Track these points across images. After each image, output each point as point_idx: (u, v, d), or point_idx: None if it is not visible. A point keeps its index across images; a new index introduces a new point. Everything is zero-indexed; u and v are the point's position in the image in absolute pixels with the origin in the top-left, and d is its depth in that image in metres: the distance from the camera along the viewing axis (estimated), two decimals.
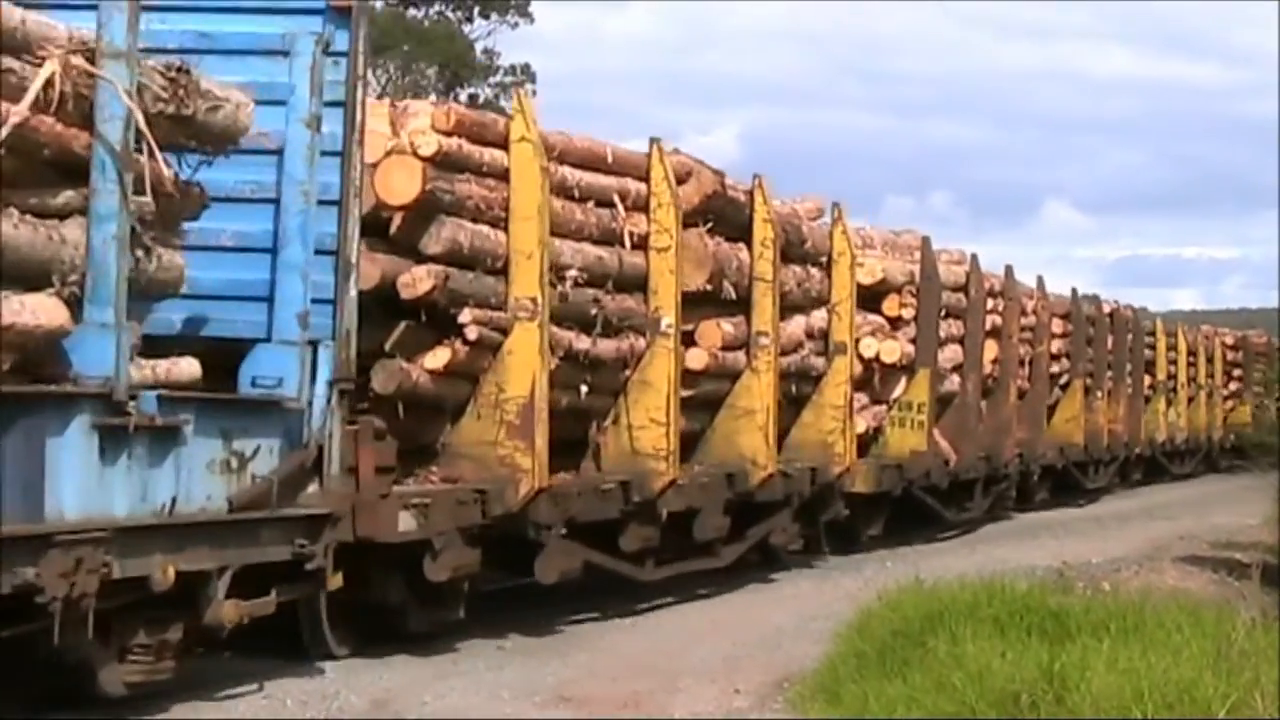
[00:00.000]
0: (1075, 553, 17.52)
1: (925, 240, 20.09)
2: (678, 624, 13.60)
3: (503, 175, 12.13)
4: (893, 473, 19.19)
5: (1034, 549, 18.89)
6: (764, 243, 15.78)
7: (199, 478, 9.10)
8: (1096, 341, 28.06)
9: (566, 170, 12.95)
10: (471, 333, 11.69)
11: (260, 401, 9.74)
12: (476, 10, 54.06)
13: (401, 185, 11.30)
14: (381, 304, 11.37)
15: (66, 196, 8.42)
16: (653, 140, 14.12)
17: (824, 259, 17.57)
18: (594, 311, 13.13)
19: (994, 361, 22.43)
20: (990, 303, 22.19)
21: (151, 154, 8.41)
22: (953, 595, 11.38)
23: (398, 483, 11.14)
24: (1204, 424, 35.15)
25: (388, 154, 11.36)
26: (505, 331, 11.98)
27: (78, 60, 8.27)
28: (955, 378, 21.01)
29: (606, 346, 13.32)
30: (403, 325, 11.55)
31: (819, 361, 17.31)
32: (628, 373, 13.73)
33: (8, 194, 8.02)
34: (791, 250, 16.69)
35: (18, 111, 7.89)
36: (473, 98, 49.06)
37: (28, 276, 8.14)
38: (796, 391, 17.07)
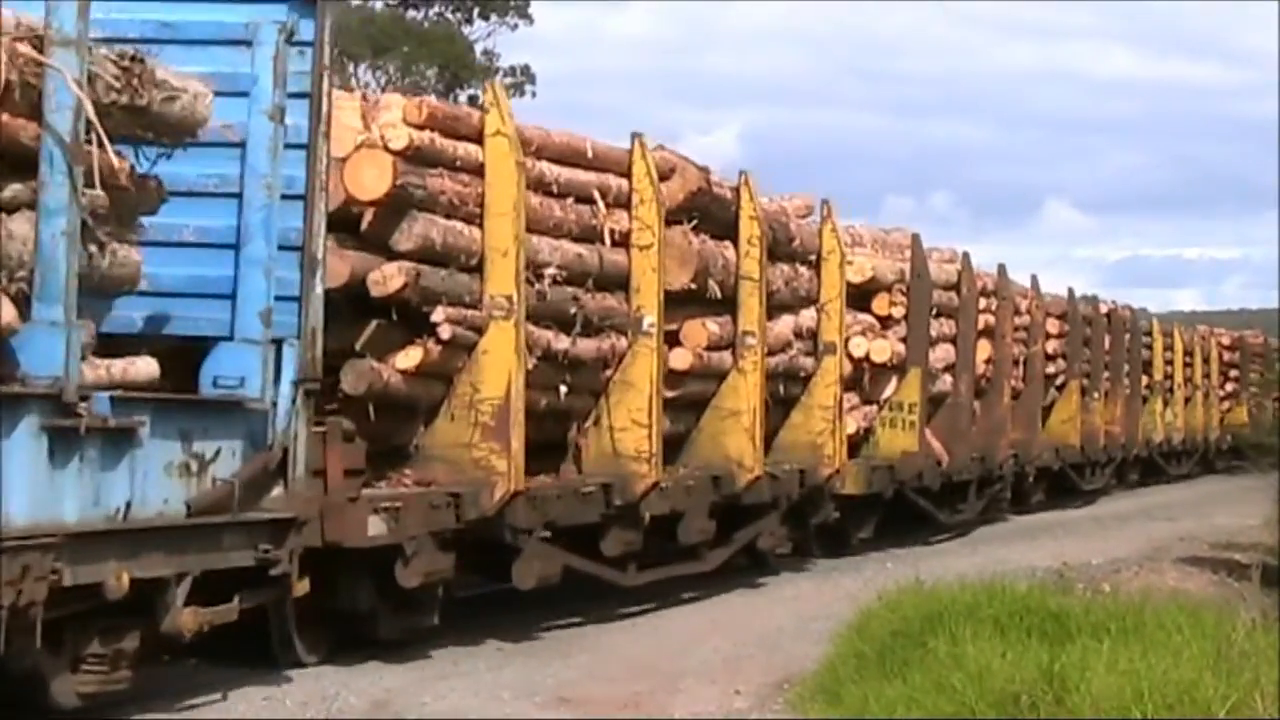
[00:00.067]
0: (1075, 553, 17.37)
1: (915, 238, 19.83)
2: (678, 625, 13.51)
3: (477, 170, 11.85)
4: (884, 474, 18.92)
5: (1034, 550, 18.77)
6: (750, 241, 15.49)
7: (156, 481, 8.80)
8: (1094, 342, 27.85)
9: (544, 165, 12.66)
10: (445, 332, 11.41)
11: (221, 402, 9.45)
12: (476, 11, 54.13)
13: (371, 180, 11.02)
14: (352, 302, 11.10)
15: (14, 190, 8.13)
16: (634, 135, 13.84)
17: (813, 257, 17.29)
18: (573, 310, 12.85)
19: (987, 361, 22.18)
20: (983, 302, 21.94)
21: (101, 145, 8.09)
22: (952, 596, 11.30)
23: (368, 485, 10.87)
24: (1201, 425, 34.96)
25: (357, 148, 11.07)
26: (480, 330, 11.70)
27: (25, 48, 7.98)
28: (947, 377, 20.75)
29: (587, 346, 13.04)
30: (374, 324, 11.27)
31: (808, 361, 17.03)
32: (609, 373, 13.47)
33: None
34: (779, 248, 16.40)
35: None
36: (473, 99, 48.79)
37: None
38: (785, 392, 16.78)
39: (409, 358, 11.33)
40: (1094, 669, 8.77)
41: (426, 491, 11.27)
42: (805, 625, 13.21)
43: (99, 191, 8.35)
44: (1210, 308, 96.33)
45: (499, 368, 11.68)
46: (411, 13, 54.03)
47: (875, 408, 19.24)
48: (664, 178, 14.21)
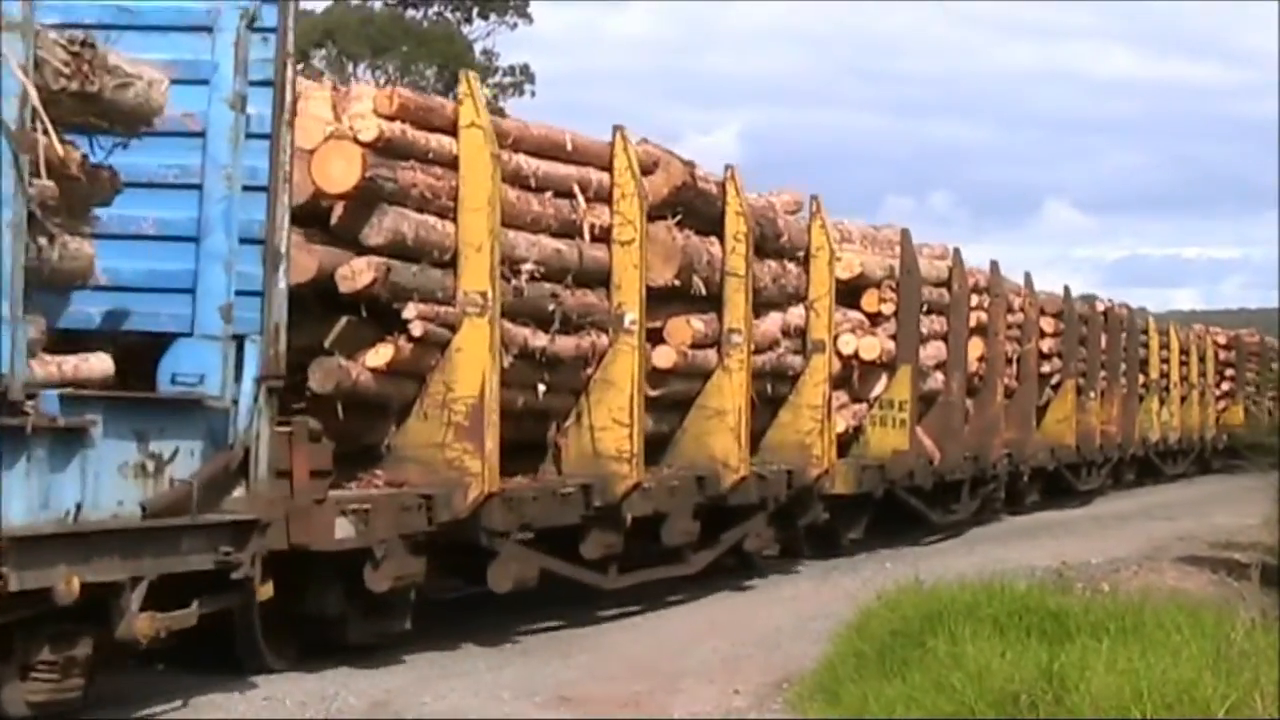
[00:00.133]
0: (1074, 553, 17.30)
1: (905, 233, 19.56)
2: (677, 625, 13.41)
3: (451, 163, 11.57)
4: (874, 473, 18.66)
5: (1033, 549, 18.62)
6: (737, 237, 15.22)
7: (109, 482, 8.49)
8: (1090, 341, 27.63)
9: (522, 158, 12.37)
10: (417, 329, 11.12)
11: (179, 400, 9.15)
12: (475, 11, 54.15)
13: (340, 172, 10.72)
14: (320, 298, 10.82)
15: None
16: (616, 128, 13.55)
17: (801, 254, 17.02)
18: (552, 307, 12.56)
19: (980, 359, 21.94)
20: (975, 299, 21.70)
21: (48, 133, 7.77)
22: (952, 595, 11.23)
23: (337, 487, 10.57)
24: (1197, 424, 34.74)
25: (326, 139, 10.78)
26: (454, 328, 11.41)
27: None
28: (939, 375, 20.50)
29: (565, 344, 12.75)
30: (343, 321, 10.98)
31: (796, 360, 16.75)
32: (589, 371, 13.19)
33: None
34: (767, 245, 16.14)
35: None
36: None
37: None
38: (772, 391, 16.51)
39: (379, 355, 11.04)
40: (1093, 668, 8.74)
41: (397, 493, 10.99)
42: (804, 625, 13.13)
43: (48, 182, 8.04)
44: (1209, 307, 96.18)
45: (473, 366, 11.39)
46: (411, 12, 54.15)
47: (865, 406, 18.98)
48: (647, 172, 13.94)
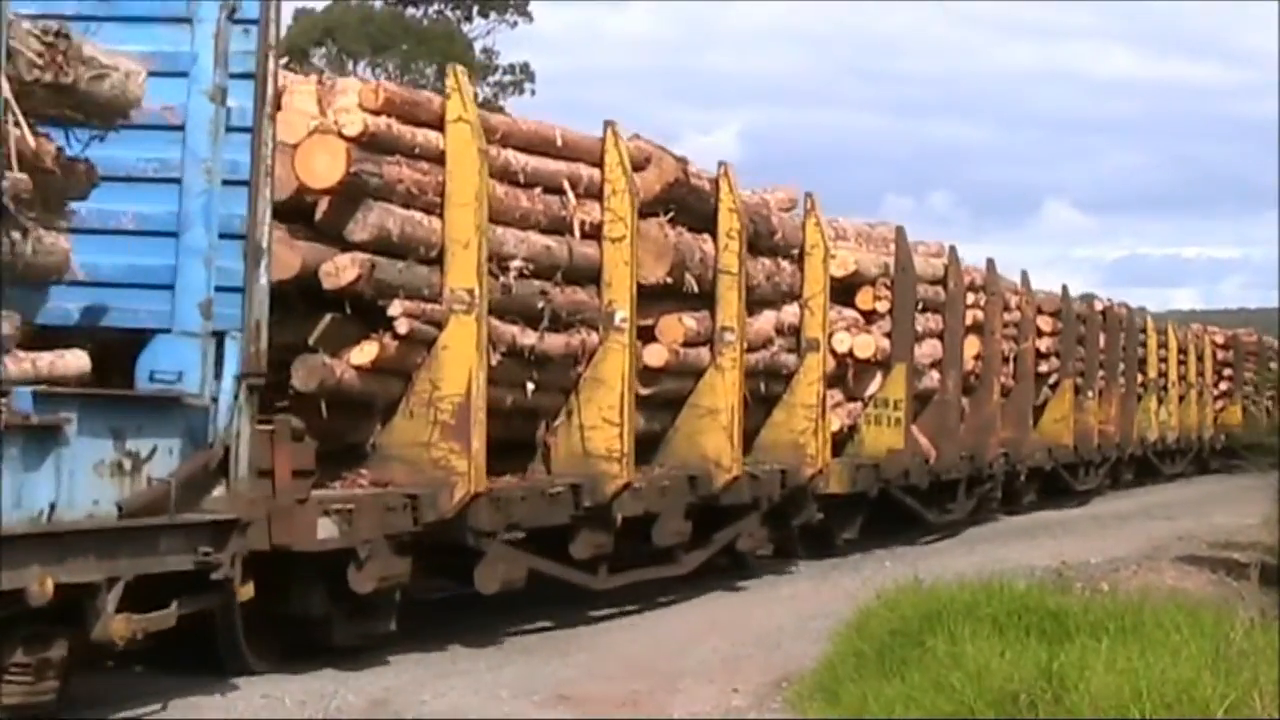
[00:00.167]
0: (1073, 552, 17.22)
1: (900, 231, 19.42)
2: (676, 624, 13.34)
3: (438, 158, 11.42)
4: (868, 472, 18.52)
5: (1032, 549, 18.54)
6: (730, 234, 15.07)
7: (84, 481, 8.33)
8: (1088, 340, 27.51)
9: (510, 154, 12.22)
10: (402, 326, 10.97)
11: (157, 398, 9.00)
12: (475, 9, 54.16)
13: (324, 167, 10.57)
14: (304, 295, 10.69)
15: None
16: (607, 123, 13.40)
17: (795, 251, 16.86)
18: (541, 304, 12.42)
19: (976, 358, 21.79)
20: (971, 297, 21.53)
21: (19, 125, 7.62)
22: (951, 595, 11.20)
23: (321, 486, 10.42)
24: (1195, 423, 34.59)
25: (310, 133, 10.63)
26: (440, 325, 11.27)
27: None
28: (934, 374, 20.35)
29: (555, 342, 12.59)
30: (327, 318, 10.84)
31: (790, 359, 16.60)
32: (579, 370, 13.02)
33: None
34: (760, 242, 15.98)
35: None
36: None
37: None
38: (766, 390, 16.35)
39: (364, 353, 10.89)
40: (1093, 668, 8.73)
41: (381, 493, 10.84)
42: (804, 624, 13.05)
43: (21, 175, 7.89)
44: (1209, 307, 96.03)
45: (459, 364, 11.25)
46: (411, 10, 54.14)
47: (860, 405, 18.86)
48: (639, 168, 13.78)
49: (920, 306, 19.74)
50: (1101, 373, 28.15)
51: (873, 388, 18.83)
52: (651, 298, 13.92)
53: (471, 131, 11.41)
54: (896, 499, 19.50)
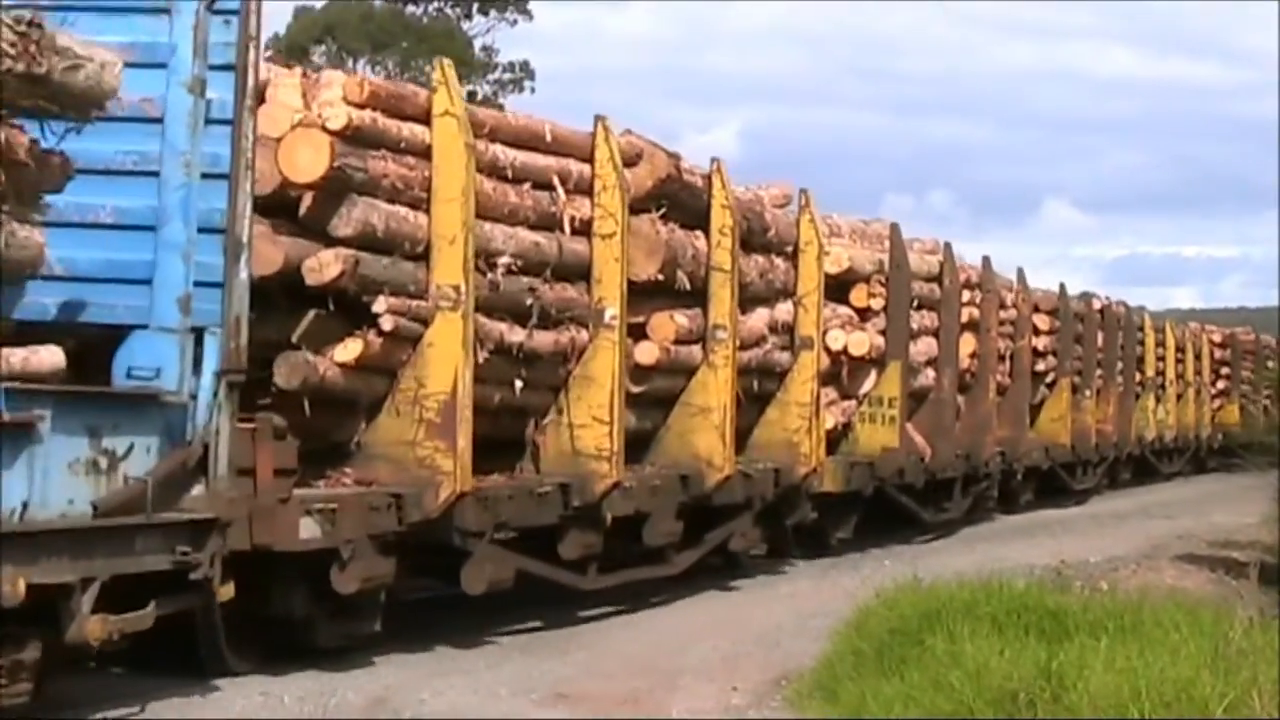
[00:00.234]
0: (1073, 551, 17.12)
1: (894, 227, 19.27)
2: (675, 622, 13.28)
3: (424, 152, 11.26)
4: (863, 471, 18.35)
5: (1031, 548, 18.43)
6: (722, 230, 14.91)
7: (58, 480, 8.17)
8: (1086, 339, 27.38)
9: (498, 149, 12.06)
10: (387, 323, 10.82)
11: (134, 395, 8.83)
12: (475, 7, 54.16)
13: (307, 161, 10.42)
14: (287, 291, 10.55)
15: None
16: (597, 118, 13.23)
17: (789, 248, 16.70)
18: (529, 301, 12.26)
19: (971, 356, 21.63)
20: (967, 295, 21.38)
21: None
22: (950, 594, 11.18)
23: (304, 485, 10.26)
24: (1193, 422, 34.47)
25: (293, 127, 10.47)
26: (425, 322, 11.11)
27: None
28: (930, 372, 20.20)
29: (544, 339, 12.44)
30: (311, 315, 10.69)
31: (783, 356, 16.44)
32: (569, 367, 12.87)
33: None
34: (754, 239, 15.81)
35: None
36: (471, 95, 48.82)
37: None
38: (759, 388, 16.21)
39: (348, 350, 10.74)
40: (1092, 667, 8.73)
41: (365, 492, 10.68)
42: (803, 623, 13.00)
43: None
44: (1209, 306, 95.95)
45: (445, 361, 11.09)
46: (411, 8, 54.14)
47: (854, 403, 18.71)
48: (631, 164, 13.63)
49: (915, 304, 19.59)
50: (1099, 371, 28.02)
51: (867, 385, 18.68)
52: (643, 295, 13.76)
53: (458, 125, 11.26)
54: (891, 498, 19.35)
